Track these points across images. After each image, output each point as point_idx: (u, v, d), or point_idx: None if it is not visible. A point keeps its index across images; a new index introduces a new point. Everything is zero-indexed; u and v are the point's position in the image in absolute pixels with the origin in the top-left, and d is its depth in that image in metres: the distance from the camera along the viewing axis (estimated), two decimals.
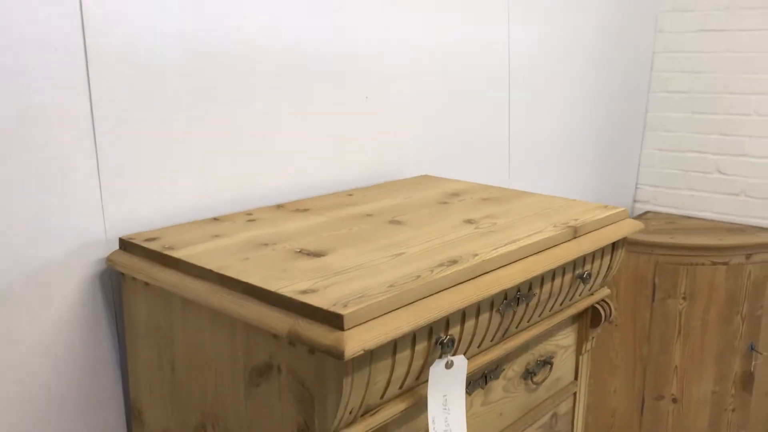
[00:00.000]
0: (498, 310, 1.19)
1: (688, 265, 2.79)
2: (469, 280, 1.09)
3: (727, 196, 3.16)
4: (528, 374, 1.42)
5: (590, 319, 1.55)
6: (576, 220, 1.36)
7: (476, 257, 1.12)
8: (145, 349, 1.24)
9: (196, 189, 1.39)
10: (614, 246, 1.47)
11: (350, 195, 1.59)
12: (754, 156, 3.06)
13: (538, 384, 1.45)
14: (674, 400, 2.90)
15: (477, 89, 2.12)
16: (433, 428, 1.08)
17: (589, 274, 1.39)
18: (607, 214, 1.43)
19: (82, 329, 1.25)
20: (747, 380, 2.92)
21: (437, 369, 1.07)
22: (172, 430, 1.23)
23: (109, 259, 1.23)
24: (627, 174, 3.32)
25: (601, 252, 1.44)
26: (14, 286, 1.15)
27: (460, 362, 1.09)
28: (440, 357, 1.07)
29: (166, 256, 1.15)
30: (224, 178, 1.44)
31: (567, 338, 1.53)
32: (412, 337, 1.02)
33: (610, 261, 1.48)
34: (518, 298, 1.22)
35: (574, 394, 1.60)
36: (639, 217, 3.26)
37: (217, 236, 1.24)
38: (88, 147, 1.21)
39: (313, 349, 0.94)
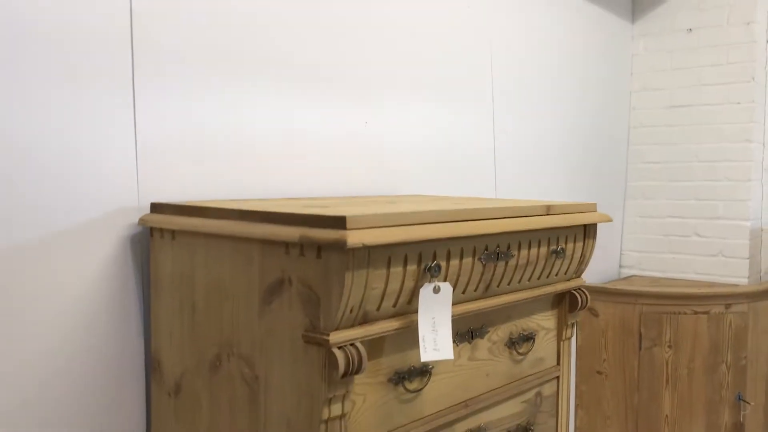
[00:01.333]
0: (480, 259, 1.36)
1: (671, 314, 2.93)
2: (454, 221, 1.27)
3: (706, 257, 3.34)
4: (512, 343, 1.56)
5: (568, 304, 1.70)
6: (549, 203, 1.56)
7: (459, 206, 1.31)
8: (168, 299, 1.39)
9: (222, 176, 1.59)
10: (585, 233, 1.66)
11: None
12: (728, 218, 3.27)
13: (521, 355, 1.59)
14: None
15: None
16: (423, 346, 1.23)
17: (563, 250, 1.57)
18: (577, 202, 1.62)
19: (112, 285, 1.41)
20: (738, 431, 2.98)
21: (426, 292, 1.23)
22: (189, 372, 1.36)
23: (141, 219, 1.42)
24: (612, 241, 3.52)
25: (573, 236, 1.62)
26: (55, 240, 1.33)
27: (446, 289, 1.26)
28: (429, 282, 1.23)
29: (192, 207, 1.34)
30: (247, 170, 1.65)
31: (548, 321, 1.68)
32: (404, 258, 1.20)
33: (583, 248, 1.66)
34: (498, 253, 1.40)
35: (557, 378, 1.72)
36: (625, 280, 3.43)
37: (234, 201, 1.43)
38: (129, 119, 1.43)
39: (320, 251, 1.12)
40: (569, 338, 1.74)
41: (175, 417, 1.40)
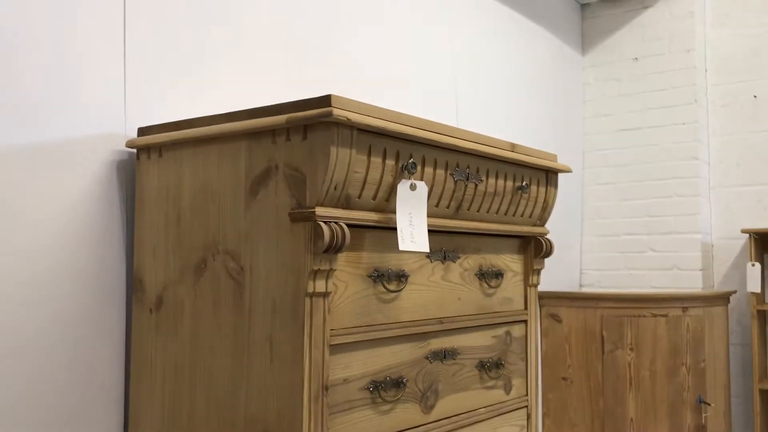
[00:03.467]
0: (452, 175, 1.45)
1: (631, 317, 3.02)
2: (428, 131, 1.37)
3: (662, 271, 3.48)
4: (482, 275, 1.63)
5: (534, 250, 1.79)
6: (514, 143, 1.67)
7: (434, 125, 1.41)
8: (153, 215, 1.44)
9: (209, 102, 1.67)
10: (548, 180, 1.76)
11: None
12: (680, 232, 3.43)
13: (491, 288, 1.66)
14: None
15: None
16: (402, 237, 1.30)
17: (527, 186, 1.67)
18: (539, 150, 1.74)
19: (96, 206, 1.46)
20: None
21: (403, 188, 1.31)
22: (172, 283, 1.40)
23: (128, 142, 1.48)
24: (571, 261, 3.64)
25: (537, 180, 1.73)
26: (44, 151, 1.38)
27: (422, 187, 1.34)
28: (406, 179, 1.32)
29: (179, 121, 1.41)
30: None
31: (515, 264, 1.76)
32: (383, 151, 1.28)
33: (546, 194, 1.76)
34: (468, 174, 1.49)
35: (525, 322, 1.78)
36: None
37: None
38: (118, 52, 1.51)
39: (306, 132, 1.20)
40: (535, 285, 1.82)
41: (155, 331, 1.42)
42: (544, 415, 3.12)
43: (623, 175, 3.59)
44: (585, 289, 3.66)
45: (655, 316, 3.03)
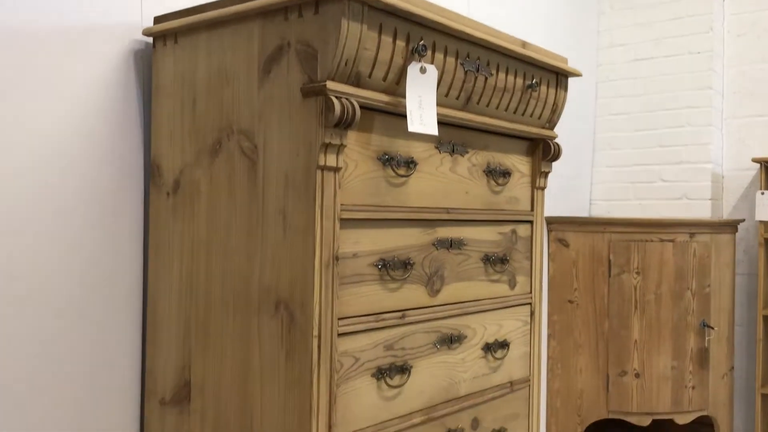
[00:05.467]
0: (462, 64, 1.47)
1: (638, 242, 3.06)
2: (439, 15, 1.39)
3: (671, 200, 3.50)
4: (490, 172, 1.66)
5: (542, 152, 1.81)
6: (525, 41, 1.68)
7: (444, 11, 1.43)
8: (169, 101, 1.48)
9: None
10: (558, 83, 1.78)
11: None
12: (691, 162, 3.44)
13: (499, 185, 1.69)
14: (637, 375, 3.04)
15: None
16: (411, 119, 1.33)
17: (538, 84, 1.69)
18: (551, 51, 1.75)
19: (114, 93, 1.50)
20: (703, 357, 3.09)
21: (414, 70, 1.34)
22: (188, 166, 1.44)
23: (145, 30, 1.51)
24: (581, 192, 3.66)
25: (547, 81, 1.74)
26: (62, 38, 1.41)
27: (432, 71, 1.37)
28: (416, 61, 1.34)
29: (194, 7, 1.43)
30: None
31: (523, 166, 1.79)
32: (394, 31, 1.30)
33: (555, 95, 1.78)
34: (478, 65, 1.51)
35: (531, 223, 1.82)
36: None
37: None
38: None
39: (317, 6, 1.22)
40: (542, 188, 1.85)
41: (173, 214, 1.47)
42: (549, 336, 3.19)
43: (636, 106, 3.58)
44: None
45: (662, 241, 3.06)
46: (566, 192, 3.46)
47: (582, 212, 3.68)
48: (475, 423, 1.63)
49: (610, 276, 3.08)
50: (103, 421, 1.47)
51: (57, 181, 1.40)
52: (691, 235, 3.08)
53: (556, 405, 3.16)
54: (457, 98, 1.51)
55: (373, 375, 1.36)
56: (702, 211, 3.42)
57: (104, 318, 1.48)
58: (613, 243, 3.08)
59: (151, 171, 1.52)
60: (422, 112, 1.35)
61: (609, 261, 3.08)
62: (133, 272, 1.54)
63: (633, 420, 3.05)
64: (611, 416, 3.08)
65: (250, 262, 1.33)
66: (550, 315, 3.18)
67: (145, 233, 1.55)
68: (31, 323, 1.36)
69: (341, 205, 1.28)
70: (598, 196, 3.71)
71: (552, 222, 3.18)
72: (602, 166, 3.69)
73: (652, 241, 3.06)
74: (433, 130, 1.36)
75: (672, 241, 3.06)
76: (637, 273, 3.06)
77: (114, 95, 1.50)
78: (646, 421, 3.06)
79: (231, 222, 1.36)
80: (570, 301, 3.15)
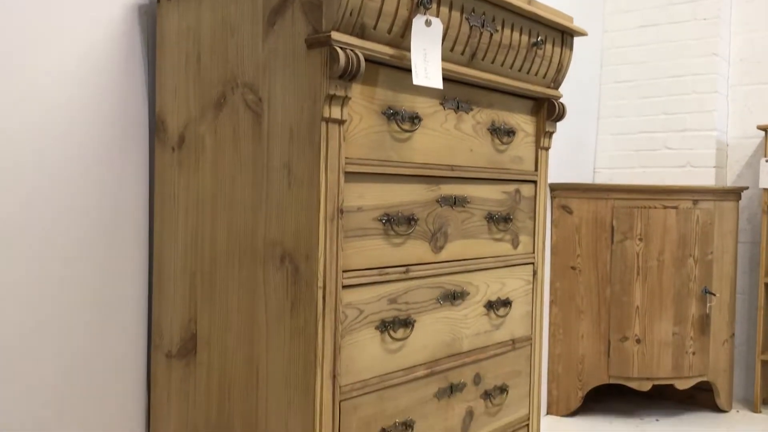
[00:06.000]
0: (467, 19, 1.47)
1: (642, 208, 3.06)
2: None
3: (675, 168, 3.49)
4: (494, 130, 1.66)
5: (546, 112, 1.81)
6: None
7: None
8: (174, 56, 1.48)
9: None
10: (563, 41, 1.77)
11: None
12: (695, 129, 3.43)
13: (503, 144, 1.69)
14: (638, 341, 3.06)
15: None
16: (416, 72, 1.33)
17: (543, 41, 1.68)
18: (556, 9, 1.74)
19: (119, 48, 1.49)
20: (704, 323, 3.11)
21: (419, 23, 1.33)
22: (193, 121, 1.45)
23: None
24: (585, 160, 3.66)
25: (552, 39, 1.73)
26: None
27: (437, 24, 1.36)
28: (422, 14, 1.34)
29: None
30: None
31: (527, 125, 1.79)
32: None
33: (560, 54, 1.77)
34: (483, 20, 1.51)
35: (535, 183, 1.83)
36: None
37: None
38: None
39: None
40: (546, 149, 1.85)
41: (178, 169, 1.48)
42: (551, 302, 3.21)
43: (641, 73, 3.56)
44: None
45: (665, 207, 3.06)
46: (570, 160, 3.45)
47: (586, 180, 3.68)
48: (478, 378, 1.65)
49: (612, 242, 3.09)
50: (110, 374, 1.50)
51: (61, 137, 1.41)
52: (695, 202, 3.09)
53: (557, 370, 3.19)
54: (462, 53, 1.50)
55: (377, 327, 1.38)
56: (706, 179, 3.41)
57: (110, 274, 1.49)
58: (616, 209, 3.08)
59: (156, 126, 1.53)
60: (427, 65, 1.34)
61: (612, 227, 3.09)
62: (139, 227, 1.55)
63: (633, 385, 3.08)
64: (612, 381, 3.11)
65: (255, 215, 1.34)
66: (552, 281, 3.20)
67: (151, 189, 1.56)
68: (38, 274, 1.38)
69: (346, 158, 1.29)
70: (602, 165, 3.71)
71: (555, 188, 3.18)
72: (607, 134, 3.68)
73: (655, 207, 3.06)
74: (437, 83, 1.36)
75: (675, 207, 3.07)
76: (640, 239, 3.06)
77: (118, 51, 1.49)
78: (646, 386, 3.09)
79: (236, 176, 1.37)
80: (572, 268, 3.16)
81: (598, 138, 3.71)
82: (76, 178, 1.43)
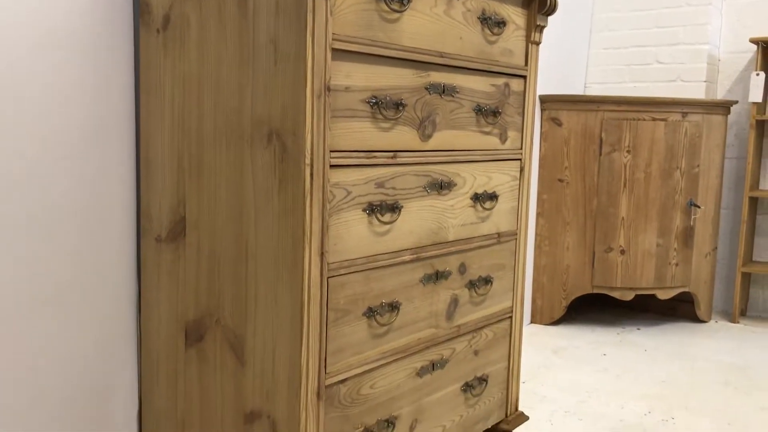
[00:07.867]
0: None
1: (631, 120, 3.06)
2: None
3: (666, 83, 3.48)
4: (485, 20, 1.64)
5: (537, 5, 1.78)
6: None
7: None
8: None
9: None
10: None
11: None
12: (687, 43, 3.40)
13: (493, 35, 1.67)
14: (622, 252, 3.11)
15: None
16: None
17: None
18: None
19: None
20: (688, 235, 3.16)
21: None
22: (177, 0, 1.42)
23: None
24: (577, 74, 3.63)
25: None
26: None
27: None
28: None
29: None
30: None
31: (518, 17, 1.76)
32: None
33: None
34: None
35: (525, 78, 1.82)
36: None
37: None
38: None
39: None
40: (537, 43, 1.83)
41: (163, 51, 1.46)
42: (538, 215, 3.24)
43: None
44: None
45: (654, 120, 3.06)
46: (562, 75, 3.43)
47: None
48: (463, 268, 1.68)
49: (601, 154, 3.10)
50: (100, 262, 1.51)
51: (44, 24, 1.37)
52: (684, 114, 3.09)
53: (542, 280, 3.25)
54: None
55: (364, 210, 1.39)
56: (696, 94, 3.41)
57: (98, 162, 1.49)
58: (605, 121, 3.08)
59: (140, 8, 1.49)
60: None
61: (601, 139, 3.09)
62: (125, 114, 1.54)
63: (616, 294, 3.15)
64: (595, 291, 3.17)
65: (241, 94, 1.33)
66: (540, 194, 3.22)
67: (136, 74, 1.54)
68: (24, 165, 1.37)
69: (333, 34, 1.27)
70: (593, 79, 3.68)
71: (546, 100, 3.16)
72: (599, 48, 3.65)
73: (644, 119, 3.06)
74: None
75: (664, 120, 3.07)
76: (628, 152, 3.08)
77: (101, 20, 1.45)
78: (629, 296, 3.16)
79: (222, 54, 1.35)
80: (560, 180, 3.18)
81: (590, 52, 3.67)
82: (60, 67, 1.41)
